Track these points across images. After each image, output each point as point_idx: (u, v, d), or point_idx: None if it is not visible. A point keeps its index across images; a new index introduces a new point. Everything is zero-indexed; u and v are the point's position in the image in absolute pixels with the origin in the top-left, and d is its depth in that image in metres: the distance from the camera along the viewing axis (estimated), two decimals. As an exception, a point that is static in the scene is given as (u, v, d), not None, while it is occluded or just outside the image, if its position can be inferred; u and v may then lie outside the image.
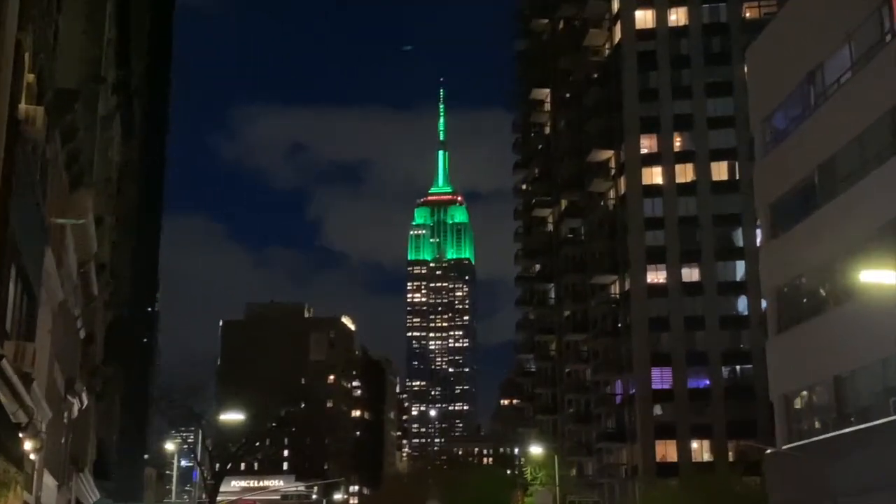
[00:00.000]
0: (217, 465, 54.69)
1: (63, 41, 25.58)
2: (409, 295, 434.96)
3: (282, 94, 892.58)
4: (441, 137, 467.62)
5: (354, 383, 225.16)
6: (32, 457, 20.48)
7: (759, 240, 51.24)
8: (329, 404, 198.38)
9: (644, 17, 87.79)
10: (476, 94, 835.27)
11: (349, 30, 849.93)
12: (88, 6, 31.47)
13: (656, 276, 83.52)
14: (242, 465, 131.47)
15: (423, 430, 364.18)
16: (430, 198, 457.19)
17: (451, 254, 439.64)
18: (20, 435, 17.76)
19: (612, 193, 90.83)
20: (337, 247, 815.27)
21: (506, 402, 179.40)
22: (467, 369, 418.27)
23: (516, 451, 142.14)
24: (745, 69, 52.50)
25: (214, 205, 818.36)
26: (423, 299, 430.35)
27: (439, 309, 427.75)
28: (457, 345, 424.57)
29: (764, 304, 49.75)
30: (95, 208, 30.11)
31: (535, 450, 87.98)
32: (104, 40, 32.99)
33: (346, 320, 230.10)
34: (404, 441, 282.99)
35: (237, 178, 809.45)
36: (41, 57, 19.44)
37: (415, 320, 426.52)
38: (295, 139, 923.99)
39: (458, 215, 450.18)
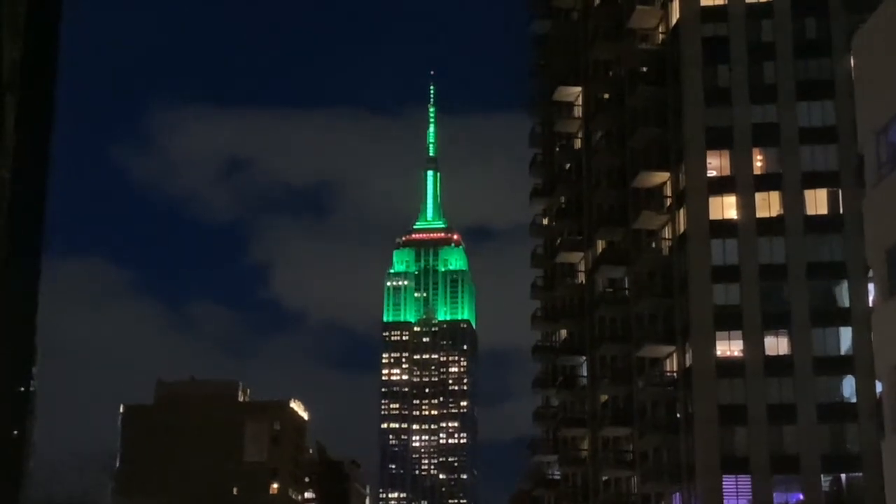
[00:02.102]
0: None
1: None
2: (386, 371, 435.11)
3: (217, 93, 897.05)
4: (431, 152, 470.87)
5: (307, 495, 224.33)
6: None
7: (871, 298, 51.16)
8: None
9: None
10: (478, 93, 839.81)
11: (309, 10, 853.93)
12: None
13: (729, 348, 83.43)
14: None
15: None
16: (414, 235, 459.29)
17: (442, 314, 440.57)
18: None
19: (667, 232, 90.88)
20: (287, 302, 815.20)
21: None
22: (465, 476, 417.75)
23: None
24: (852, 62, 52.83)
25: (119, 244, 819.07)
26: (405, 377, 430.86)
27: (427, 391, 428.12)
28: (450, 441, 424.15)
29: (879, 387, 49.63)
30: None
31: None
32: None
33: (295, 406, 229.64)
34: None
35: (152, 207, 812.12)
36: None
37: (392, 406, 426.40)
38: (233, 154, 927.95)
39: (454, 260, 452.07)
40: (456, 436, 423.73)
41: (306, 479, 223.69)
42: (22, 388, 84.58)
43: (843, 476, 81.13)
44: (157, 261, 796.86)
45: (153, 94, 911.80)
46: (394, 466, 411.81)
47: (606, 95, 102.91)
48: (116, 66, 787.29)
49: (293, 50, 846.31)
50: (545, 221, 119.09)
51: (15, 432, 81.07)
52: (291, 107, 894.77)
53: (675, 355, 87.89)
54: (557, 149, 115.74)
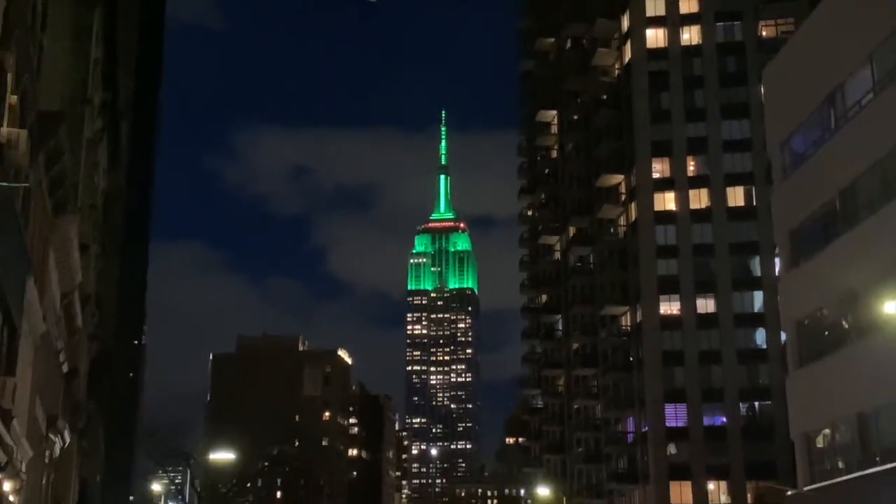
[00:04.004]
0: (205, 507, 54.31)
1: (47, 61, 25.70)
2: (410, 327, 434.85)
3: (284, 117, 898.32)
4: (443, 161, 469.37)
5: (351, 420, 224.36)
6: (11, 498, 20.36)
7: (777, 269, 51.13)
8: (324, 443, 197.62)
9: (655, 36, 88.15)
10: (480, 116, 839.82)
11: (355, 50, 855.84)
12: (74, 25, 31.56)
13: (669, 308, 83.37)
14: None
15: (423, 469, 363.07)
16: (431, 224, 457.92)
17: (453, 283, 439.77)
18: (0, 474, 17.66)
19: (622, 220, 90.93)
20: (339, 276, 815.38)
21: (511, 440, 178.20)
22: (470, 406, 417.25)
23: (522, 492, 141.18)
24: (762, 90, 52.74)
25: (211, 232, 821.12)
26: (424, 332, 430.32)
27: (441, 342, 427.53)
28: (459, 380, 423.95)
29: (783, 337, 49.70)
30: (80, 236, 30.11)
31: (543, 491, 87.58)
32: (90, 60, 33.12)
33: (342, 354, 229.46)
34: (403, 482, 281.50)
35: (237, 204, 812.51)
36: (25, 77, 19.49)
37: (415, 354, 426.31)
38: (298, 163, 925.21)
39: (461, 243, 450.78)
40: (463, 375, 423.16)
41: (350, 409, 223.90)
42: (136, 342, 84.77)
43: (756, 404, 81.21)
44: (242, 244, 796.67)
45: (238, 117, 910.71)
46: (416, 399, 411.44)
47: (576, 117, 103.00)
48: (210, 95, 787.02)
49: (342, 84, 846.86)
50: (530, 213, 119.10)
51: (130, 374, 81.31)
52: (341, 127, 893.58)
53: (628, 314, 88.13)
54: (539, 158, 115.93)
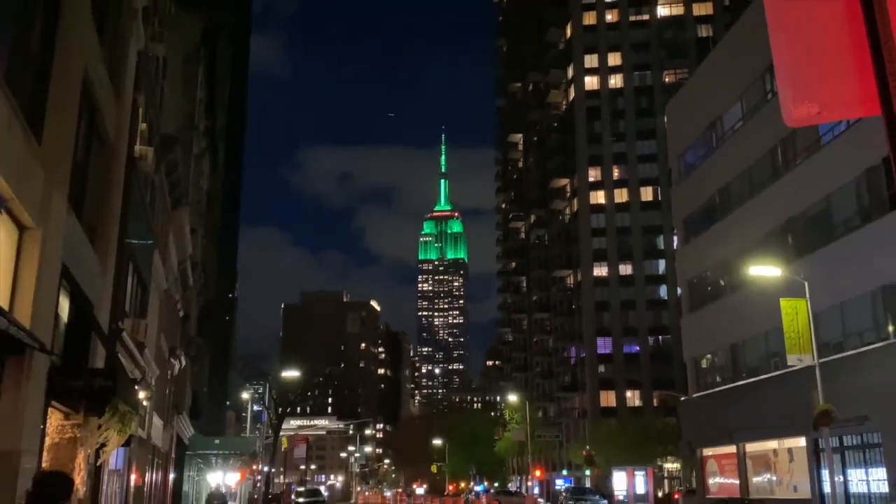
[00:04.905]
0: (279, 409, 54.51)
1: (166, 100, 25.70)
2: (420, 285, 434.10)
3: (332, 137, 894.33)
4: (443, 169, 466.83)
5: (379, 350, 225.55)
6: (145, 403, 20.57)
7: (675, 244, 51.32)
8: (361, 365, 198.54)
9: (591, 82, 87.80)
10: (469, 137, 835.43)
11: (382, 91, 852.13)
12: (184, 75, 31.60)
13: (600, 271, 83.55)
14: (298, 409, 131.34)
15: (429, 383, 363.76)
16: (434, 214, 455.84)
17: (450, 255, 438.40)
18: (136, 387, 17.85)
19: (567, 210, 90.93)
20: (373, 250, 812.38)
21: (490, 363, 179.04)
22: (462, 340, 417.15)
23: (498, 399, 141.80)
24: (665, 120, 52.67)
25: (282, 219, 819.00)
26: (430, 288, 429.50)
27: (441, 295, 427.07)
28: (454, 321, 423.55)
29: (679, 291, 49.90)
30: (190, 222, 30.22)
31: (512, 398, 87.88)
32: (196, 99, 33.12)
33: (373, 303, 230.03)
34: (416, 391, 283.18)
35: (300, 199, 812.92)
36: (151, 111, 19.55)
37: (423, 304, 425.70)
38: (342, 170, 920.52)
39: (456, 227, 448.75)
40: (457, 318, 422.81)
41: (378, 342, 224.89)
42: (230, 295, 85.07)
43: (660, 338, 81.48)
44: (304, 227, 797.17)
45: (300, 138, 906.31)
46: (425, 335, 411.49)
47: (535, 138, 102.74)
48: (282, 123, 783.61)
49: (372, 114, 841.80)
50: (503, 206, 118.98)
51: (227, 318, 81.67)
52: (372, 145, 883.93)
53: (572, 275, 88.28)
54: (509, 167, 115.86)
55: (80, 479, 11.72)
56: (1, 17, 8.40)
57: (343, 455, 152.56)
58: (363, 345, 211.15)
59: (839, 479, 28.81)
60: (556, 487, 71.45)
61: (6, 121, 7.97)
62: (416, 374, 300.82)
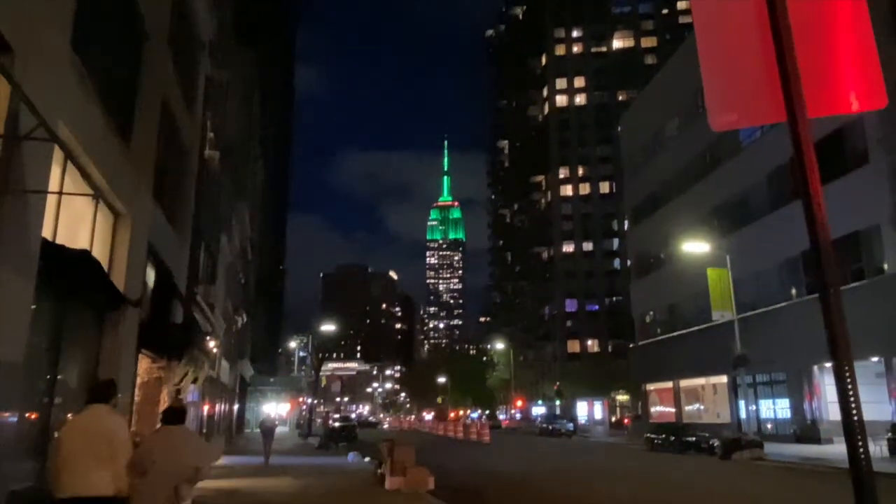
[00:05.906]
0: (320, 355, 54.80)
1: (229, 114, 25.51)
2: (427, 259, 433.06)
3: (361, 143, 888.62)
4: (445, 168, 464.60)
5: (396, 308, 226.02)
6: (215, 350, 20.67)
7: (626, 226, 51.21)
8: (382, 321, 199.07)
9: (561, 100, 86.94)
10: (469, 142, 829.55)
11: (399, 107, 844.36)
12: (244, 98, 31.39)
13: (569, 248, 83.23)
14: (334, 355, 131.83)
15: (435, 335, 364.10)
16: (439, 204, 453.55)
17: (452, 235, 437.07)
18: (207, 338, 17.93)
19: (543, 201, 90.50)
20: (392, 231, 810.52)
21: (483, 319, 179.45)
22: (461, 301, 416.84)
23: (489, 347, 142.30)
24: (619, 129, 52.31)
25: (323, 208, 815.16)
26: (436, 261, 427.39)
27: (445, 266, 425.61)
28: (455, 287, 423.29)
29: (629, 263, 49.88)
30: (249, 210, 30.14)
31: (499, 346, 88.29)
32: (252, 114, 32.89)
33: (392, 273, 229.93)
34: (425, 341, 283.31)
35: (336, 192, 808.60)
36: (217, 123, 19.43)
37: (430, 273, 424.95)
38: (366, 170, 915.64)
39: (456, 213, 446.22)
40: (458, 285, 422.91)
41: (396, 303, 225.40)
42: (280, 267, 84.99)
43: (615, 298, 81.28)
44: (339, 214, 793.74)
45: (337, 145, 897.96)
46: (431, 297, 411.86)
47: (518, 144, 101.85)
48: (322, 134, 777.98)
49: (390, 126, 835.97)
50: (493, 197, 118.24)
51: (278, 284, 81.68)
52: (391, 150, 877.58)
53: (546, 251, 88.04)
54: (498, 167, 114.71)
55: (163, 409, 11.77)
56: (97, 50, 8.33)
57: (369, 390, 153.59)
58: (384, 305, 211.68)
59: (752, 407, 29.13)
60: (533, 416, 71.98)
61: (102, 132, 7.94)
62: (425, 328, 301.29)
